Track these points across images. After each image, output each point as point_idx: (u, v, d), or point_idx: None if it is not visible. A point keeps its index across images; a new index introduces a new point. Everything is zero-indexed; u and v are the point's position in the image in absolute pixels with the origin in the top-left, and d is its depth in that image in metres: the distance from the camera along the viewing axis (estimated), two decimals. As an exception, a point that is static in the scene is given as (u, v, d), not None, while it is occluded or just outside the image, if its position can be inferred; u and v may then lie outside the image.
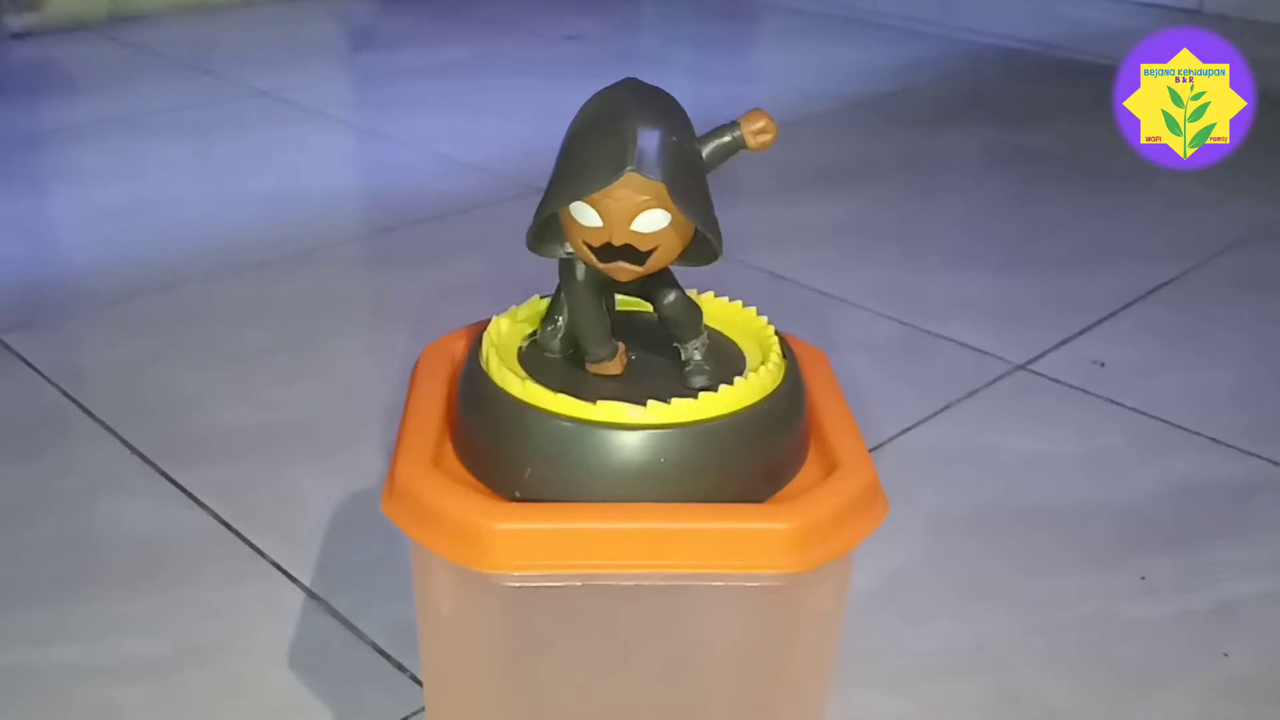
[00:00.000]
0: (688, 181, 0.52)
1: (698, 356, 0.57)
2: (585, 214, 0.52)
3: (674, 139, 0.52)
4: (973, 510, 0.94)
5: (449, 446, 0.57)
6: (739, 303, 0.63)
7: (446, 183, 1.58)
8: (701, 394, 0.54)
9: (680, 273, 0.57)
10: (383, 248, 1.42)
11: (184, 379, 1.10)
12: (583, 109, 0.54)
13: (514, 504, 0.53)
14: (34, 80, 2.06)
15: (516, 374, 0.56)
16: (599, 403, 0.54)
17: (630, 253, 0.52)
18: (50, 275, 1.32)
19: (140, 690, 0.75)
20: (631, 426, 0.53)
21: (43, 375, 1.09)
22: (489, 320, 0.61)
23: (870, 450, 0.58)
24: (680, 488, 0.53)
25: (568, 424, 0.53)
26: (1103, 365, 1.15)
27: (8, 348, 1.14)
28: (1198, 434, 1.04)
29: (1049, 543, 0.91)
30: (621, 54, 2.24)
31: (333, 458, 0.98)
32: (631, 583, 0.51)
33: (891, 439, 1.02)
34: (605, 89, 0.54)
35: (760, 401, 0.55)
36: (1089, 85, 1.82)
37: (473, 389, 0.57)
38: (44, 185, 1.60)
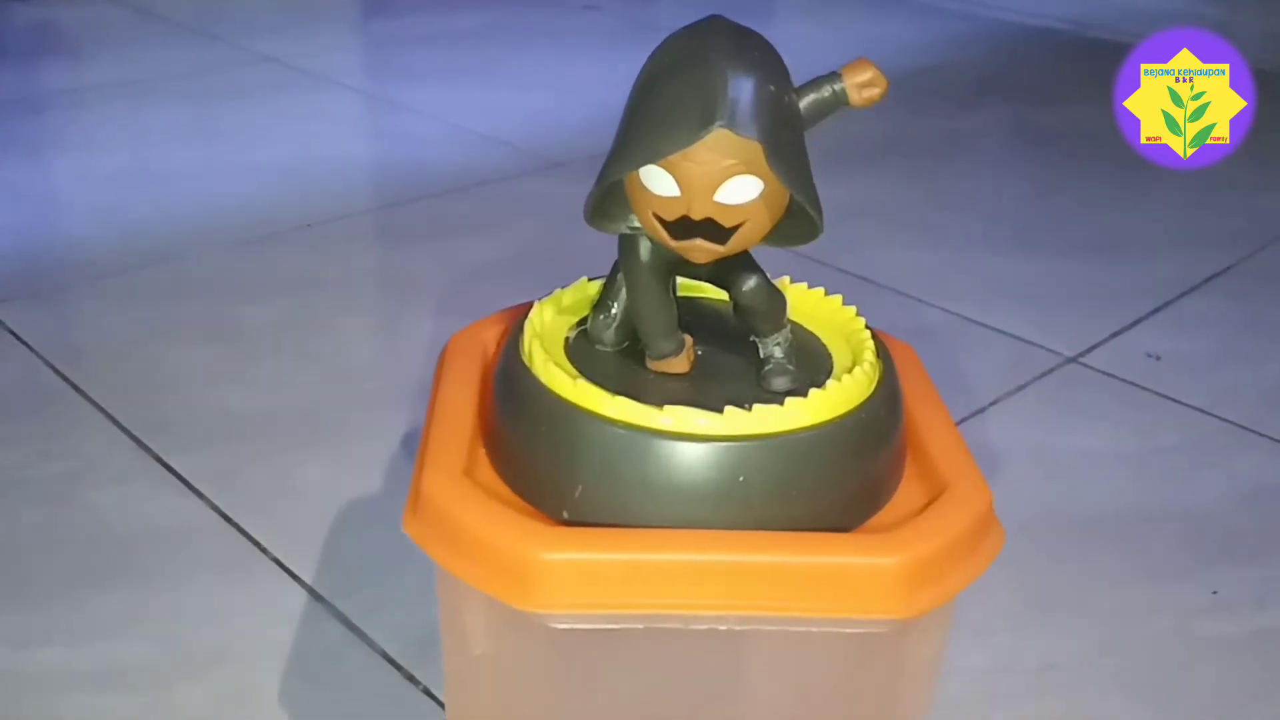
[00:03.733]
0: (787, 141, 0.42)
1: (779, 354, 0.47)
2: (659, 180, 0.42)
3: (771, 89, 0.42)
4: (1029, 514, 0.85)
5: (482, 454, 0.47)
6: (820, 290, 0.52)
7: (459, 154, 1.48)
8: (787, 399, 0.44)
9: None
10: (394, 222, 1.32)
11: (182, 357, 1.01)
12: (657, 52, 0.43)
13: (563, 529, 0.43)
14: (35, 44, 1.96)
15: (565, 370, 0.46)
16: (665, 408, 0.43)
17: (711, 228, 0.42)
18: (45, 245, 1.22)
19: (129, 701, 0.66)
20: (704, 438, 0.43)
21: (33, 350, 1.00)
22: (528, 305, 0.50)
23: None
24: (762, 512, 0.43)
25: (627, 433, 0.43)
26: (1158, 359, 1.05)
27: (-4, 320, 1.04)
28: (1263, 435, 0.94)
29: (1112, 551, 0.81)
30: (640, 24, 2.15)
31: (339, 444, 0.89)
32: (703, 626, 0.41)
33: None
34: (685, 28, 0.43)
35: (856, 409, 0.45)
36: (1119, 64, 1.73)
37: (512, 388, 0.46)
38: (42, 152, 1.50)
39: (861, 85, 0.45)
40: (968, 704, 0.68)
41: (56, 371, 0.97)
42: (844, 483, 0.45)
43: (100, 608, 0.73)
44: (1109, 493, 0.88)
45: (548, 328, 0.50)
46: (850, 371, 0.46)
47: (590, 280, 0.52)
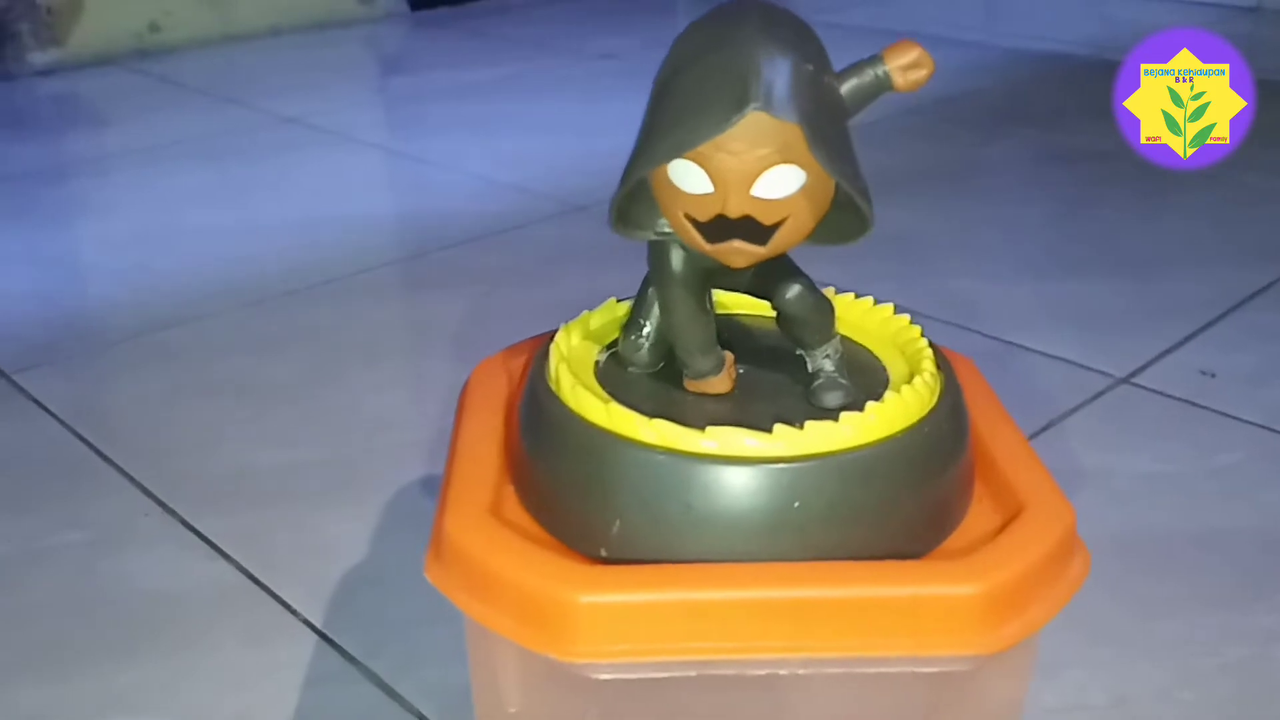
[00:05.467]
0: (829, 125, 0.37)
1: (829, 367, 0.42)
2: (689, 176, 0.37)
3: (809, 67, 0.37)
4: (1092, 540, 0.78)
5: (510, 490, 0.42)
6: (869, 299, 0.48)
7: (481, 203, 1.45)
8: (843, 415, 0.40)
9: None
10: (416, 273, 1.29)
11: (206, 417, 0.97)
12: (682, 37, 0.39)
13: (602, 568, 0.38)
14: (58, 115, 1.95)
15: (596, 394, 0.41)
16: (708, 429, 0.39)
17: (750, 227, 0.37)
18: (68, 311, 1.19)
19: (150, 778, 0.61)
20: (753, 460, 0.38)
21: (53, 415, 0.97)
22: (555, 330, 0.46)
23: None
24: (821, 541, 0.38)
25: (667, 459, 0.38)
26: (1213, 376, 1.00)
27: (17, 387, 1.01)
28: (1329, 450, 0.89)
29: (1180, 575, 0.76)
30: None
31: (366, 498, 0.85)
32: (762, 672, 0.36)
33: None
34: (712, 10, 0.39)
35: (919, 422, 0.40)
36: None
37: (539, 416, 0.42)
38: (64, 219, 1.48)
39: (906, 67, 0.40)
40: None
41: (80, 437, 0.93)
42: (911, 504, 0.40)
43: (124, 679, 0.68)
44: (1173, 515, 0.82)
45: (575, 351, 0.45)
46: (909, 383, 0.42)
47: (619, 301, 0.48)
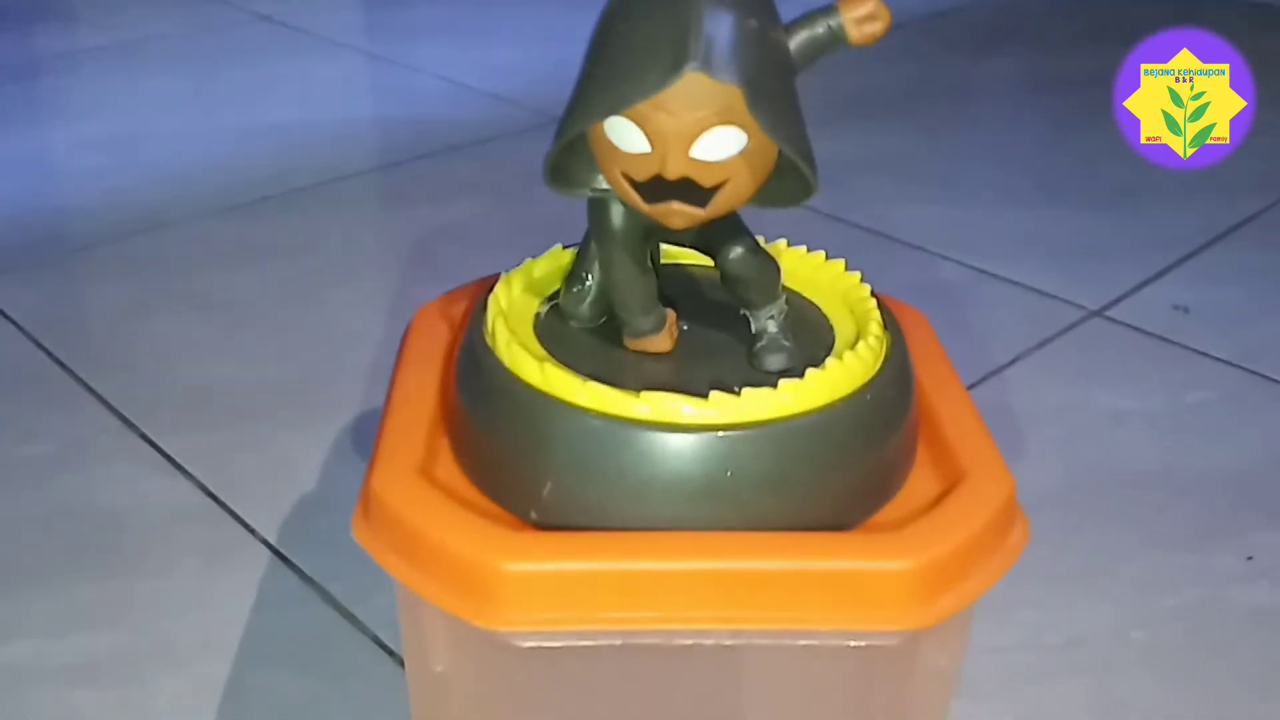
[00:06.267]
0: (772, 86, 0.35)
1: (773, 328, 0.41)
2: (626, 134, 0.36)
3: (753, 24, 0.35)
4: (1052, 478, 0.79)
5: (444, 444, 0.41)
6: (820, 254, 0.46)
7: (459, 111, 1.42)
8: (782, 381, 0.38)
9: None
10: (390, 183, 1.27)
11: (172, 330, 0.96)
12: (619, -14, 0.37)
13: (528, 534, 0.37)
14: (28, 8, 1.90)
15: (532, 353, 0.40)
16: (643, 393, 0.38)
17: (689, 189, 0.36)
18: (32, 215, 1.17)
19: (104, 695, 0.62)
20: (688, 427, 0.37)
21: (15, 324, 0.95)
22: (495, 277, 0.45)
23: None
24: (754, 511, 0.37)
25: (600, 423, 0.37)
26: (1186, 311, 0.99)
27: (-23, 294, 1.00)
28: (1299, 390, 0.89)
29: (1141, 516, 0.76)
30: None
31: (332, 421, 0.84)
32: (689, 642, 0.35)
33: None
34: (654, -44, 0.37)
35: (860, 390, 0.39)
36: (1142, 8, 1.65)
37: (474, 373, 0.41)
38: (28, 119, 1.45)
39: (861, 19, 0.38)
40: (990, 687, 0.62)
41: (41, 347, 0.92)
42: (847, 475, 0.39)
43: (79, 596, 0.68)
44: (1137, 454, 0.82)
45: (515, 303, 0.44)
46: (853, 347, 0.40)
47: (565, 248, 0.46)
